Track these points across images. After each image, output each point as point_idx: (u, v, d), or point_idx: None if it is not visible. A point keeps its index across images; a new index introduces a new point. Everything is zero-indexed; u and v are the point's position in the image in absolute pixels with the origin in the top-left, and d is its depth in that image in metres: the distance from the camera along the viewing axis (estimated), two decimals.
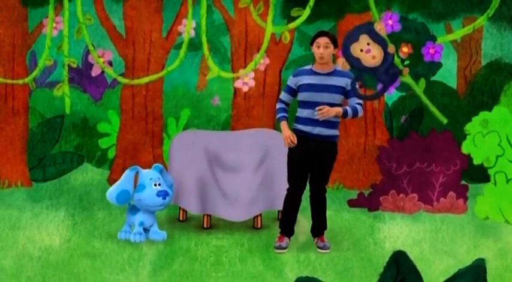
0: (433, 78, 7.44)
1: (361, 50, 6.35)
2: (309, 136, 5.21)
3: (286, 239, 5.42)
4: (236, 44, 7.76)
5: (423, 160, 6.66)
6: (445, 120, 7.14)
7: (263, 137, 6.33)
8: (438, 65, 7.31)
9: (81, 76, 8.13)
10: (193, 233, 5.84)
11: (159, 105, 7.84)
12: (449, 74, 7.88)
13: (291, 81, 5.34)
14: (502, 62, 7.83)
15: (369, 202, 6.69)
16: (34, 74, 7.71)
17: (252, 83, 7.65)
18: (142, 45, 7.70)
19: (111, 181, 7.63)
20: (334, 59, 5.32)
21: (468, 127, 6.38)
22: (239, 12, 7.67)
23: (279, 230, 5.49)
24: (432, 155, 6.65)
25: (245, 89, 7.68)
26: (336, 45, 5.24)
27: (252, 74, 7.65)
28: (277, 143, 5.89)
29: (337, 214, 6.46)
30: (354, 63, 6.35)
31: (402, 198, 6.63)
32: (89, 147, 8.17)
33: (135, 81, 7.72)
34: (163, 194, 5.58)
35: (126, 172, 5.65)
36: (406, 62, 7.30)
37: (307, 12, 7.40)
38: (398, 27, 7.29)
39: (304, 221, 5.83)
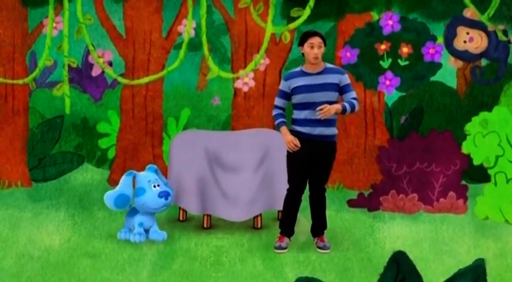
0: (433, 78, 7.45)
1: (465, 42, 6.34)
2: (309, 137, 5.20)
3: (286, 239, 5.42)
4: (236, 44, 7.77)
5: (423, 160, 6.66)
6: None
7: (263, 137, 6.32)
8: (438, 65, 7.31)
9: (81, 76, 8.12)
10: (193, 233, 5.83)
11: (159, 105, 7.85)
12: (449, 74, 7.88)
13: (284, 86, 5.30)
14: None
15: (369, 202, 6.69)
16: (34, 74, 7.72)
17: (252, 83, 7.66)
18: (142, 45, 7.70)
19: (111, 181, 7.64)
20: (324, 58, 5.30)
21: (468, 127, 6.38)
22: (239, 12, 7.68)
23: (279, 230, 5.49)
24: (432, 155, 6.64)
25: (245, 89, 7.68)
26: (325, 45, 5.25)
27: (252, 74, 7.65)
28: (277, 143, 5.89)
29: (337, 214, 6.45)
30: (464, 56, 6.36)
31: (402, 198, 6.63)
32: (89, 147, 8.16)
33: (135, 82, 7.72)
34: (165, 195, 5.59)
35: (123, 177, 5.63)
36: (406, 62, 7.32)
37: (307, 12, 7.41)
38: (398, 27, 7.30)
39: (304, 221, 5.83)
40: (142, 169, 5.82)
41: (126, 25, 7.70)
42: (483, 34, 6.39)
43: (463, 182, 6.82)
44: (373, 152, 7.38)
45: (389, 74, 7.34)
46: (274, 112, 5.39)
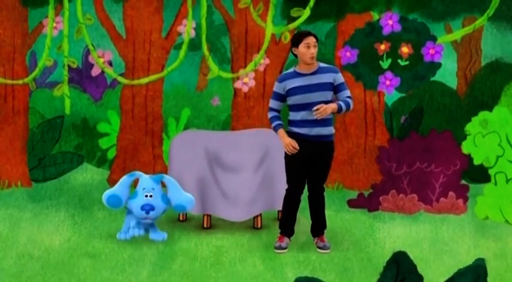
0: (433, 79, 7.45)
1: None
2: (307, 138, 5.19)
3: (286, 239, 5.42)
4: (236, 44, 7.77)
5: (423, 160, 6.66)
6: None
7: (263, 137, 6.32)
8: (438, 65, 7.32)
9: (81, 76, 8.13)
10: (193, 233, 5.83)
11: (159, 105, 7.85)
12: (449, 74, 7.89)
13: (278, 88, 5.29)
14: (502, 62, 7.84)
15: (368, 202, 6.69)
16: (34, 74, 7.72)
17: (252, 83, 7.66)
18: (142, 45, 7.70)
19: (111, 181, 7.64)
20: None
21: (468, 127, 6.38)
22: (239, 12, 7.68)
23: (279, 230, 5.49)
24: (432, 155, 6.64)
25: (245, 89, 7.68)
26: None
27: (252, 74, 7.65)
28: (277, 143, 5.88)
29: (337, 214, 6.45)
30: None
31: (402, 198, 6.63)
32: (89, 147, 8.17)
33: (135, 82, 7.72)
34: (147, 209, 5.45)
35: (124, 177, 5.61)
36: (406, 62, 7.32)
37: (307, 12, 7.41)
38: (398, 27, 7.30)
39: (304, 221, 5.83)
40: (142, 169, 5.81)
41: (126, 25, 7.70)
42: None
43: (463, 182, 6.82)
44: (373, 152, 7.38)
45: (389, 74, 7.34)
46: (270, 115, 5.37)
